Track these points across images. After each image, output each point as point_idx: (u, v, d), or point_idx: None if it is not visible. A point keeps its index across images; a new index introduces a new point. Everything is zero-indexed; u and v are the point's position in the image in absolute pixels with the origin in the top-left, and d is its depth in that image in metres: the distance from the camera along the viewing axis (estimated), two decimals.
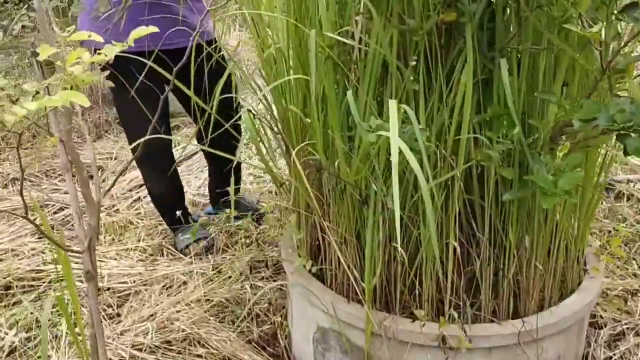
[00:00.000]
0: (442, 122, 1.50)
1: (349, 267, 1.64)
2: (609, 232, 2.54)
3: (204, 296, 2.16)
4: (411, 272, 1.62)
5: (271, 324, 2.07)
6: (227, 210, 2.62)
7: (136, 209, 2.89)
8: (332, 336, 1.71)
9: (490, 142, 1.43)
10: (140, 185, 3.10)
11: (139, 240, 2.61)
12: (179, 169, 3.07)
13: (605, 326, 2.05)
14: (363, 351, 1.64)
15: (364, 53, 1.48)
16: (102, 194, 1.33)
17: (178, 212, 2.51)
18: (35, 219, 2.67)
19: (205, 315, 2.06)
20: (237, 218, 2.65)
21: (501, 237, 1.61)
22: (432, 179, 1.45)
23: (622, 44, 1.26)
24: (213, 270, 2.31)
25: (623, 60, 1.29)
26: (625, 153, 1.20)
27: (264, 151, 1.72)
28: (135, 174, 3.16)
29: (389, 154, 1.50)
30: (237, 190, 2.70)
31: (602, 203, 2.72)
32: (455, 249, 1.56)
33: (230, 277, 2.24)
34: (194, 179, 3.15)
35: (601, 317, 2.09)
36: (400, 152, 1.15)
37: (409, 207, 1.56)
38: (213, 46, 2.10)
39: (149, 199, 2.97)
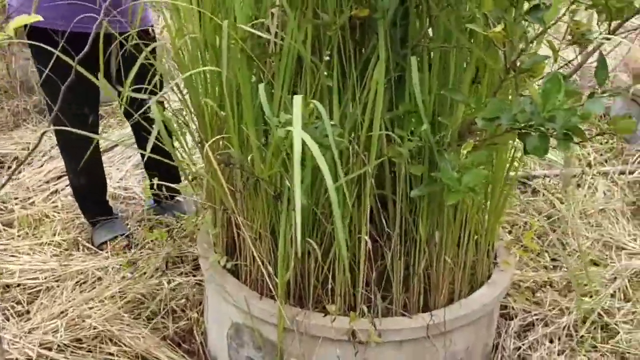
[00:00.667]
0: (355, 119, 1.50)
1: (262, 262, 1.63)
2: (524, 224, 2.62)
3: (119, 292, 2.10)
4: (324, 267, 1.62)
5: (188, 319, 2.03)
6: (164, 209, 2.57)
7: (53, 202, 2.78)
8: (246, 332, 1.70)
9: (401, 140, 1.45)
10: (59, 177, 2.98)
11: (54, 235, 2.51)
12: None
13: (516, 317, 2.12)
14: (276, 346, 1.63)
15: (279, 47, 1.46)
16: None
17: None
18: None
19: (119, 312, 2.01)
20: (156, 213, 2.60)
21: (412, 231, 1.64)
22: (344, 175, 1.45)
23: (527, 44, 1.29)
24: (129, 265, 2.25)
25: (528, 60, 1.32)
26: (525, 152, 1.23)
27: (178, 145, 1.69)
28: (53, 165, 3.04)
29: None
30: (176, 190, 2.64)
31: (518, 198, 2.80)
32: (367, 244, 1.57)
33: (145, 273, 2.18)
34: (116, 170, 3.05)
35: (512, 308, 2.16)
36: (308, 147, 1.14)
37: (322, 202, 1.56)
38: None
39: (67, 191, 2.87)
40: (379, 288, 1.65)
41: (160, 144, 1.54)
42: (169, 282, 2.15)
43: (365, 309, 1.58)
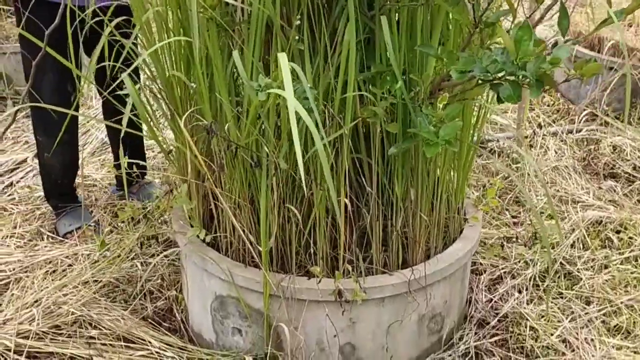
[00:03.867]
0: (328, 82, 1.52)
1: (244, 232, 1.64)
2: (484, 186, 2.72)
3: (92, 277, 2.07)
4: (305, 232, 1.65)
5: (165, 299, 2.02)
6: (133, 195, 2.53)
7: (9, 195, 2.69)
8: (230, 303, 1.71)
9: (375, 99, 1.48)
10: (12, 170, 2.90)
11: (15, 227, 2.44)
12: None
13: (485, 272, 2.20)
14: (262, 314, 1.65)
15: (247, 14, 1.47)
16: None
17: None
18: None
19: (95, 297, 1.98)
20: (121, 197, 2.56)
21: (388, 192, 1.68)
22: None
23: None
24: (103, 246, 2.21)
25: (493, 15, 1.37)
26: (499, 100, 1.28)
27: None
28: (5, 158, 2.95)
29: (279, 115, 1.51)
30: (143, 174, 2.59)
31: (476, 160, 2.90)
32: (346, 206, 1.60)
33: (119, 255, 2.16)
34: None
35: (480, 264, 2.24)
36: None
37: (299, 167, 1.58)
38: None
39: (22, 183, 2.79)
40: (359, 248, 1.68)
41: (134, 118, 1.53)
42: (142, 264, 2.13)
43: (350, 268, 1.61)
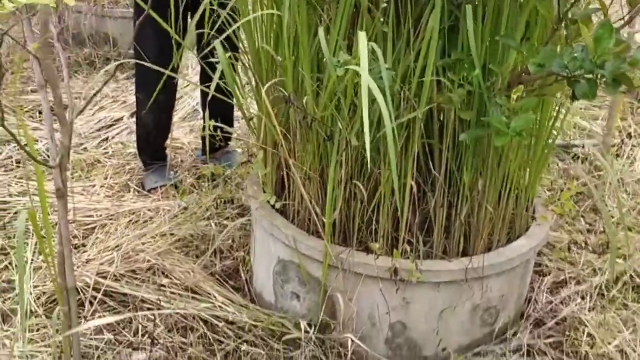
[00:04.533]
0: (408, 65, 1.56)
1: (311, 202, 1.72)
2: (562, 190, 2.66)
3: (169, 231, 2.21)
4: (369, 209, 1.70)
5: (234, 259, 2.14)
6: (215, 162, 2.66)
7: (104, 149, 2.90)
8: (292, 268, 1.79)
9: (452, 85, 1.51)
10: (109, 126, 3.11)
11: (106, 178, 2.64)
12: None
13: (550, 274, 2.18)
14: (320, 282, 1.73)
15: None
16: (74, 114, 1.37)
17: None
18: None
19: (170, 248, 2.12)
20: (205, 162, 2.70)
21: (456, 179, 1.70)
22: (394, 119, 1.51)
23: None
24: (179, 207, 2.36)
25: (580, 12, 1.37)
26: (574, 97, 1.28)
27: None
28: (104, 115, 3.17)
29: (355, 93, 1.56)
30: (228, 140, 2.72)
31: (557, 164, 2.84)
32: (412, 188, 1.64)
33: (195, 213, 2.29)
34: None
35: (546, 266, 2.22)
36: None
37: (370, 146, 1.63)
38: None
39: (117, 139, 3.00)
40: (420, 232, 1.72)
41: (224, 86, 1.63)
42: (216, 225, 2.26)
43: (408, 249, 1.65)
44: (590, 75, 1.26)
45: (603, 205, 2.55)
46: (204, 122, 2.73)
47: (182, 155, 2.85)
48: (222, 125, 2.21)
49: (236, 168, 2.52)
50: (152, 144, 2.57)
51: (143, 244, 2.13)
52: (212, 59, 1.67)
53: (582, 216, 2.55)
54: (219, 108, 2.21)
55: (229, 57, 1.68)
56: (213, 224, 2.25)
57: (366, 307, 1.71)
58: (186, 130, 3.10)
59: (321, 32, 1.43)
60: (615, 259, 2.25)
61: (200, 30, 1.81)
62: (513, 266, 1.75)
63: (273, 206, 1.84)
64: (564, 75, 1.31)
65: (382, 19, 1.51)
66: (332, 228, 1.72)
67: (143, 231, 2.21)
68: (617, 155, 2.99)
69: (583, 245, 2.34)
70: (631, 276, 2.19)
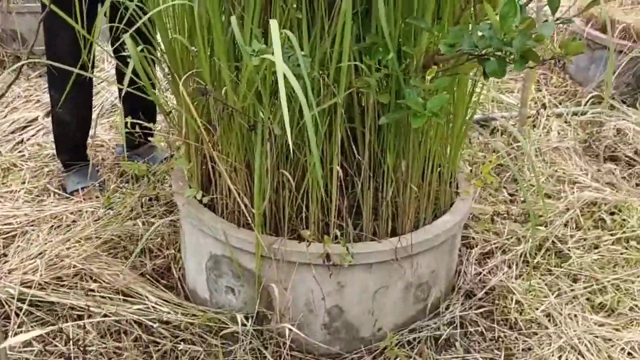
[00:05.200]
0: (325, 51, 1.56)
1: (239, 194, 1.70)
2: (483, 163, 2.75)
3: (95, 234, 2.14)
4: (298, 197, 1.70)
5: (164, 257, 2.10)
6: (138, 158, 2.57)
7: (20, 151, 2.78)
8: (224, 262, 1.78)
9: (369, 69, 1.52)
10: (23, 128, 2.98)
11: (24, 182, 2.53)
12: None
13: (477, 246, 2.25)
14: (254, 274, 1.72)
15: None
16: None
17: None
18: None
19: (97, 252, 2.06)
20: (129, 158, 2.62)
21: (380, 161, 1.72)
22: (315, 106, 1.51)
23: None
24: (103, 208, 2.29)
25: None
26: (485, 75, 1.32)
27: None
28: (17, 116, 3.02)
29: (274, 80, 1.55)
30: (150, 134, 2.64)
31: (477, 138, 2.93)
32: (338, 174, 1.65)
33: (121, 214, 2.23)
34: None
35: (473, 238, 2.29)
36: (285, 78, 1.20)
37: (295, 134, 1.63)
38: None
39: (32, 140, 2.87)
40: (350, 216, 1.74)
41: (137, 79, 1.58)
42: (143, 223, 2.20)
43: (339, 234, 1.67)
44: (499, 53, 1.30)
45: (521, 176, 2.66)
46: (123, 117, 2.66)
47: (103, 153, 2.76)
48: (140, 122, 2.15)
49: (160, 163, 2.47)
50: (70, 143, 2.47)
51: (68, 249, 2.06)
52: (123, 53, 1.62)
53: (504, 187, 2.64)
54: (139, 102, 2.14)
55: (141, 50, 1.63)
56: (140, 223, 2.20)
57: (302, 294, 1.72)
58: (106, 127, 3.00)
59: (234, 20, 1.40)
60: (537, 227, 2.35)
61: (111, 24, 1.75)
62: (440, 242, 1.80)
63: (200, 201, 1.81)
64: (474, 54, 1.34)
65: (295, 5, 1.50)
66: (263, 218, 1.71)
67: (67, 236, 2.13)
68: (534, 126, 3.11)
69: (506, 215, 2.42)
70: (553, 242, 2.30)
